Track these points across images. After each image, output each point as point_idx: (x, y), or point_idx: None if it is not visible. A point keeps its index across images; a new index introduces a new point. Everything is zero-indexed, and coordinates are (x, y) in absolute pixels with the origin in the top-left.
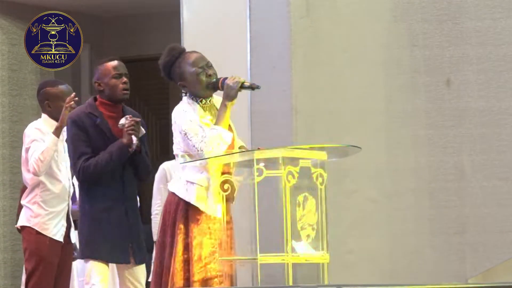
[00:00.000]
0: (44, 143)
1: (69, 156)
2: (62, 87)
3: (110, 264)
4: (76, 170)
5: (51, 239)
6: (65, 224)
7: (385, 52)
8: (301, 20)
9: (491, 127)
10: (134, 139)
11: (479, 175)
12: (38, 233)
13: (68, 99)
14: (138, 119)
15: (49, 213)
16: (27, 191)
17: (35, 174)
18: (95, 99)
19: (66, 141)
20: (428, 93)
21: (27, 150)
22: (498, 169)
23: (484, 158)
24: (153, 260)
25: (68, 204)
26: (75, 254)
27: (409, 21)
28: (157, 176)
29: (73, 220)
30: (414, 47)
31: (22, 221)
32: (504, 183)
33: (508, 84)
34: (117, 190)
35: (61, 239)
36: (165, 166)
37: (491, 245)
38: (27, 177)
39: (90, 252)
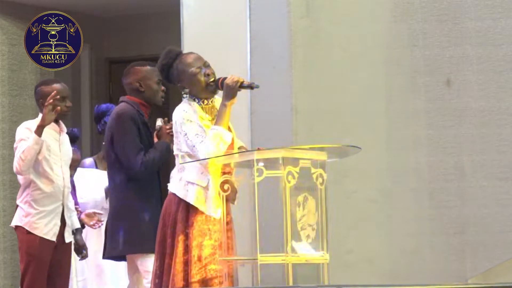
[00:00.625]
0: (27, 142)
1: (121, 151)
2: (57, 85)
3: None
4: (138, 163)
5: (41, 238)
6: (59, 224)
7: (385, 52)
8: (301, 20)
9: (491, 127)
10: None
11: (479, 175)
12: (28, 232)
13: (49, 97)
14: None
15: (39, 212)
16: (20, 190)
17: (18, 173)
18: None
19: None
20: (428, 93)
21: (15, 149)
22: (498, 169)
23: (484, 158)
24: None
25: (63, 204)
26: (84, 252)
27: (409, 21)
28: None
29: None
30: (414, 47)
31: (15, 221)
32: (504, 183)
33: (508, 84)
34: (158, 189)
35: (53, 239)
36: None
37: (491, 245)
38: (19, 177)
39: (147, 246)
